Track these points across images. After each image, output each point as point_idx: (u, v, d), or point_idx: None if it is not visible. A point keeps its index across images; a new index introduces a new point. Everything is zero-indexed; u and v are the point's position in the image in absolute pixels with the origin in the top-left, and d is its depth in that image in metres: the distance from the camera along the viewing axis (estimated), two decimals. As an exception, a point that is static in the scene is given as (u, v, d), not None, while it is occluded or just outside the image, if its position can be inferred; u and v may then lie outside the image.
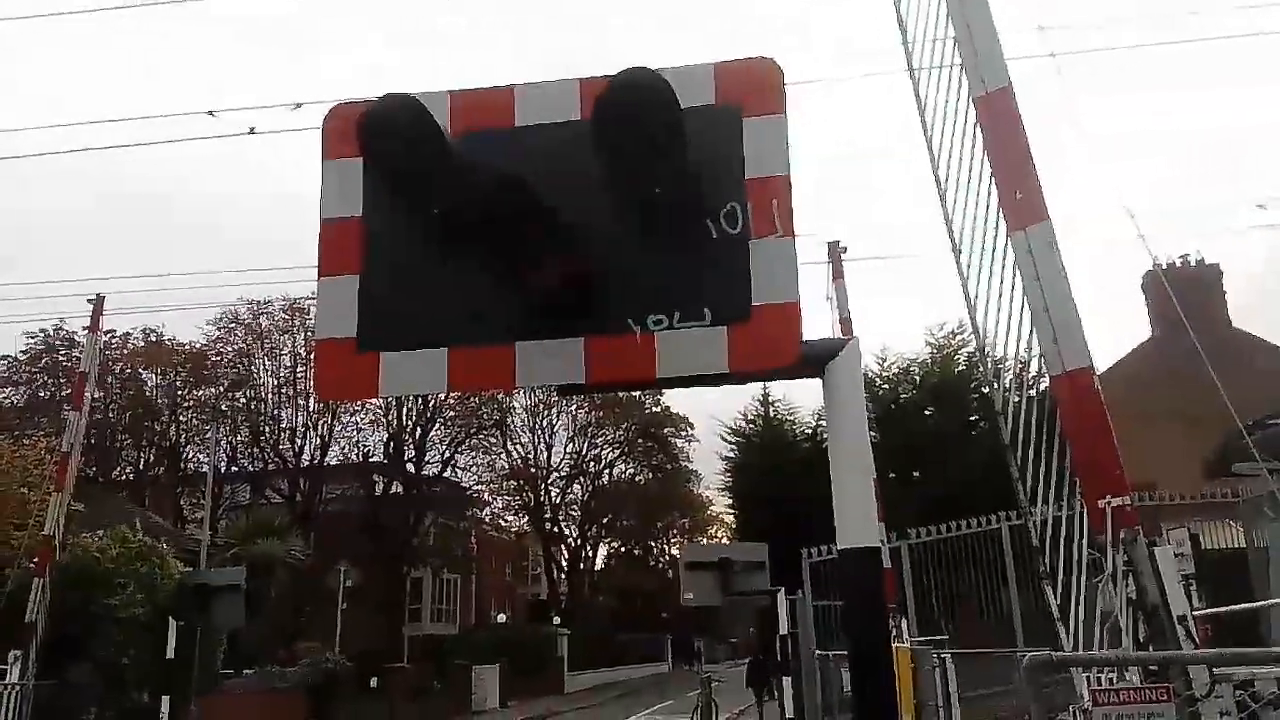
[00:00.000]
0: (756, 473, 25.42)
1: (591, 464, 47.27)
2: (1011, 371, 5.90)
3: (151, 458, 36.28)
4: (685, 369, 2.43)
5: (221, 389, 35.83)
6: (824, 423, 2.64)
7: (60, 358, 31.94)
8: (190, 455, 36.40)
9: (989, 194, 5.42)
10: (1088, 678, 4.52)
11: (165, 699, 11.12)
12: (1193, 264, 23.31)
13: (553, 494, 46.64)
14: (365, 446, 37.15)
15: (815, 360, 2.49)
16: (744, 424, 27.44)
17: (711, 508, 53.97)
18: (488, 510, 47.51)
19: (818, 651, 13.95)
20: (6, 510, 16.33)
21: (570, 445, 45.61)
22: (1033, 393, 5.59)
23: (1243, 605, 7.71)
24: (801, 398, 30.85)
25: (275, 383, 35.47)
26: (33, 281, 60.34)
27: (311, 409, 34.54)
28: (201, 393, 35.89)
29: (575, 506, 48.82)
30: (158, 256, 60.03)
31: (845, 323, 13.83)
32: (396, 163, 2.36)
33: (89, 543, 16.51)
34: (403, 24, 73.90)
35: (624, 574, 57.02)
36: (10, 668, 13.10)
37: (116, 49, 72.81)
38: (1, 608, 13.42)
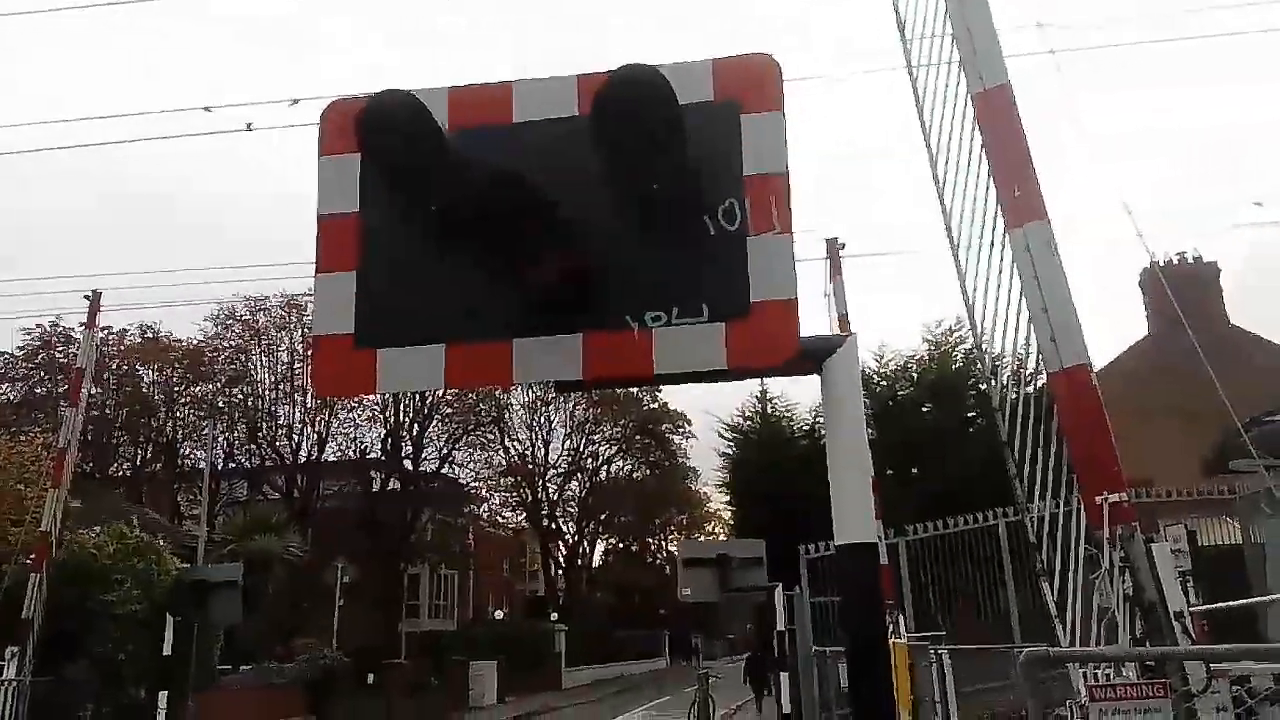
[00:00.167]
0: (754, 469, 25.36)
1: (589, 460, 47.31)
2: (1009, 368, 5.91)
3: (149, 454, 36.19)
4: (683, 365, 2.42)
5: (219, 385, 35.78)
6: (822, 419, 2.64)
7: (57, 354, 31.84)
8: (187, 451, 36.30)
9: (987, 191, 5.43)
10: (1084, 673, 4.53)
11: (162, 695, 11.11)
12: (1190, 261, 23.38)
13: (550, 490, 46.64)
14: (363, 443, 37.15)
15: (813, 357, 2.49)
16: (741, 420, 27.38)
17: (709, 504, 54.14)
18: (485, 506, 47.51)
19: (815, 647, 13.99)
20: (3, 506, 16.32)
21: (568, 441, 45.66)
22: (1030, 389, 5.59)
23: (1240, 601, 7.72)
24: (799, 394, 30.93)
25: (272, 379, 35.44)
26: (31, 278, 60.23)
27: (309, 405, 34.54)
28: (199, 389, 35.85)
29: (573, 503, 48.84)
30: (159, 256, 60.01)
31: (843, 319, 13.86)
32: (394, 158, 2.35)
33: (86, 539, 16.49)
34: (402, 23, 73.83)
35: (621, 570, 57.07)
36: (7, 664, 13.06)
37: (116, 48, 72.70)
38: (-2, 604, 13.43)
